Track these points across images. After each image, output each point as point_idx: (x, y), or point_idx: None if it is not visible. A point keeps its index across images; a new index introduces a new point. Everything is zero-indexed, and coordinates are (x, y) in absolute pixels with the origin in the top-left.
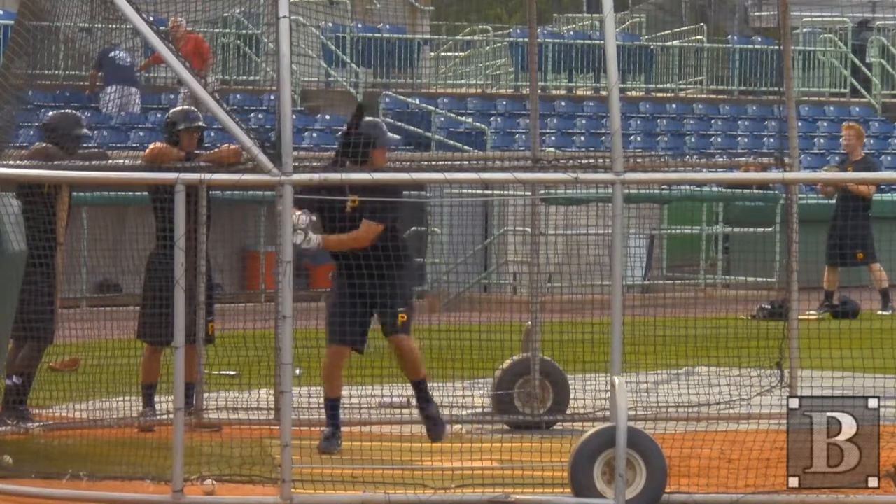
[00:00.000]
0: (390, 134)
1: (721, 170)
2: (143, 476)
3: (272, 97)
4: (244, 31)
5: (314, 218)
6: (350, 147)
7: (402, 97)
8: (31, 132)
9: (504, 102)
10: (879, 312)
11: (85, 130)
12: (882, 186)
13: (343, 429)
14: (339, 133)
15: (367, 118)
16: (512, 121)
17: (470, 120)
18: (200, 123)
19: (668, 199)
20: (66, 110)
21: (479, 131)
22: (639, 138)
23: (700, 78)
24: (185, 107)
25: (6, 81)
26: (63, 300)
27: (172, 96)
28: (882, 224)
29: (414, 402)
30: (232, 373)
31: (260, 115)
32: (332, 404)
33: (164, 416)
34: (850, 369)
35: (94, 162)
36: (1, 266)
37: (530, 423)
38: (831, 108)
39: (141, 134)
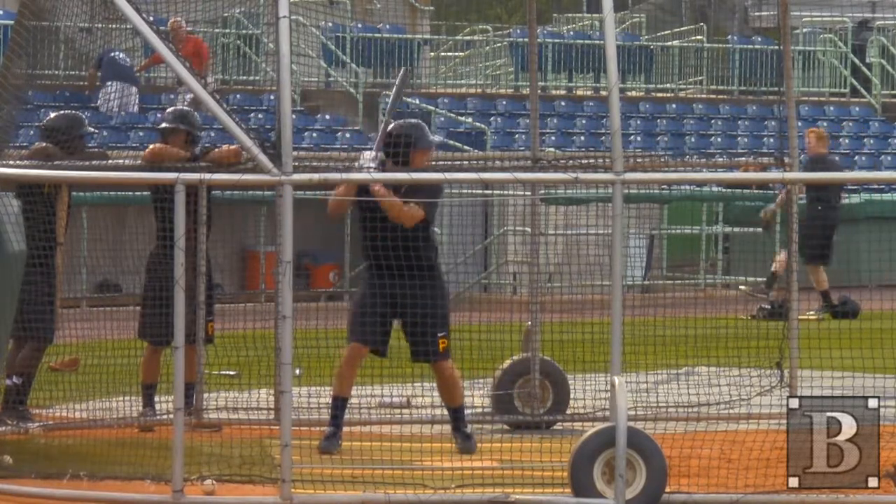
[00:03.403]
0: (431, 136)
1: (721, 170)
2: (143, 476)
3: (272, 97)
4: (244, 31)
5: (384, 158)
6: (391, 147)
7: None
8: (31, 132)
9: (504, 102)
10: (810, 313)
11: (89, 129)
12: (882, 186)
13: (343, 429)
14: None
15: (409, 120)
16: (512, 121)
17: (470, 120)
18: (182, 126)
19: (668, 199)
20: (68, 111)
21: (479, 131)
22: (639, 138)
23: (700, 78)
24: (179, 107)
25: (6, 81)
26: (63, 300)
27: (172, 96)
28: (882, 224)
29: (451, 422)
30: (232, 373)
31: (260, 115)
32: (338, 403)
33: (164, 416)
34: (850, 369)
35: (94, 162)
36: (1, 266)
37: (530, 423)
38: (831, 108)
39: (141, 134)
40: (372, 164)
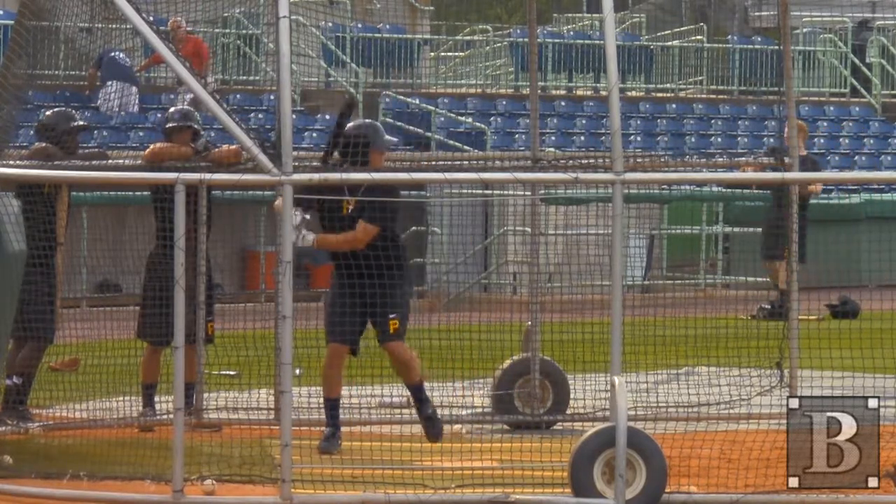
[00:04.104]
0: (387, 136)
1: (721, 170)
2: (143, 476)
3: (272, 97)
4: (244, 31)
5: (307, 217)
6: (349, 148)
7: (402, 97)
8: (31, 132)
9: (504, 102)
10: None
11: (79, 122)
12: (882, 186)
13: (343, 429)
14: (333, 133)
15: (366, 120)
16: (512, 121)
17: (470, 120)
18: (188, 123)
19: (668, 199)
20: (58, 109)
21: (479, 131)
22: (639, 138)
23: (700, 78)
24: (181, 107)
25: (6, 81)
26: (63, 300)
27: (172, 96)
28: (882, 224)
29: (412, 403)
30: (232, 373)
31: (260, 115)
32: (331, 404)
33: (164, 416)
34: (850, 369)
35: (94, 162)
36: (1, 266)
37: (530, 423)
38: (831, 108)
39: (141, 134)
40: (294, 225)
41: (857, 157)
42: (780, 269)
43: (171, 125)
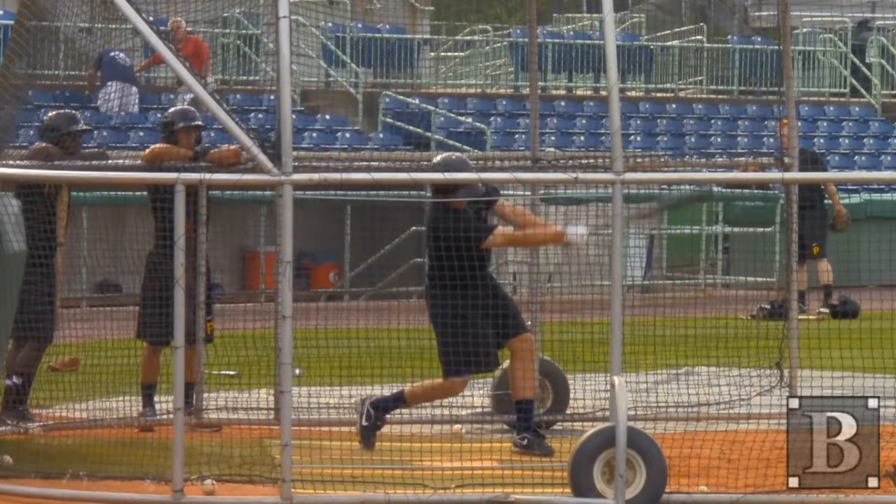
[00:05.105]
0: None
1: (721, 170)
2: (143, 476)
3: (272, 97)
4: (244, 31)
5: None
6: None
7: (402, 97)
8: (32, 132)
9: (504, 102)
10: (821, 310)
11: (82, 125)
12: (882, 186)
13: (343, 429)
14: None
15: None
16: (512, 121)
17: (470, 120)
18: (198, 122)
19: None
20: (61, 110)
21: (479, 131)
22: (639, 138)
23: (700, 78)
24: (183, 106)
25: (6, 81)
26: (63, 300)
27: (172, 96)
28: (882, 224)
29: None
30: (232, 373)
31: (260, 115)
32: (400, 405)
33: (164, 416)
34: (850, 369)
35: (94, 162)
36: (1, 266)
37: None
38: (831, 108)
39: (141, 134)
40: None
41: (857, 157)
42: (822, 268)
43: (181, 125)
